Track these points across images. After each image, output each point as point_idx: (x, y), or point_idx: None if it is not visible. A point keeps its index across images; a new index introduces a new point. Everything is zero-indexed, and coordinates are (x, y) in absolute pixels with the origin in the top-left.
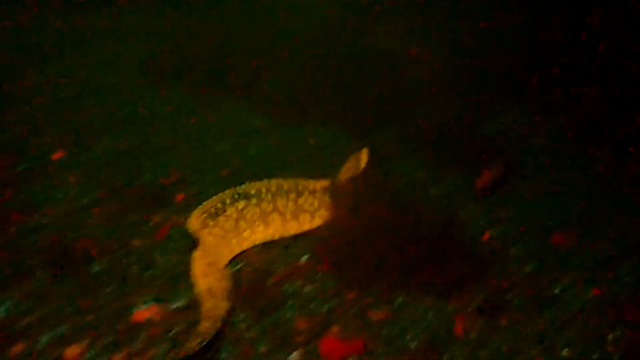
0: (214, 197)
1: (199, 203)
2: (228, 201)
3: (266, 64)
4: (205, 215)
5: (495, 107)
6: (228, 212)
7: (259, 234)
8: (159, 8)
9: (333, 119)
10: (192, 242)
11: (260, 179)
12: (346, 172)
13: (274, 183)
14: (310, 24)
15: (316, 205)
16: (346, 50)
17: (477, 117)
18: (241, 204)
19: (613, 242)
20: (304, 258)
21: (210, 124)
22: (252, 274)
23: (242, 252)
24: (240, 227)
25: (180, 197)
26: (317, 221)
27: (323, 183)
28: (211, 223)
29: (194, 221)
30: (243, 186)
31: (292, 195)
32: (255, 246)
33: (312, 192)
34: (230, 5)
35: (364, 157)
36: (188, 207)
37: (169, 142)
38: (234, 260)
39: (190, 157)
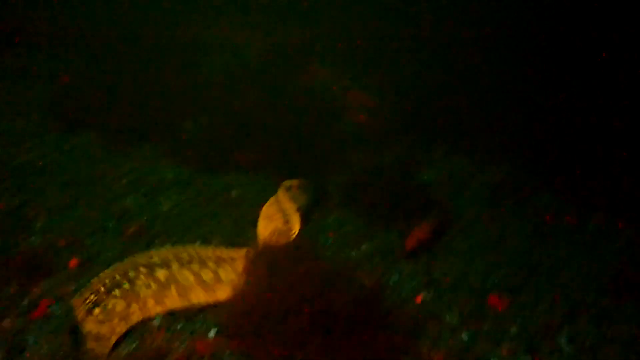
0: (104, 274)
1: (94, 271)
2: (118, 278)
3: (187, 107)
4: (88, 303)
5: (437, 152)
6: (116, 293)
7: (152, 310)
8: (70, 47)
9: (259, 166)
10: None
11: (171, 238)
12: (272, 236)
13: (177, 250)
14: (240, 63)
15: (224, 276)
16: (278, 92)
17: (417, 163)
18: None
19: (552, 305)
20: (212, 333)
21: (118, 175)
22: (149, 354)
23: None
24: (131, 308)
25: (73, 262)
26: (224, 294)
27: (236, 252)
28: (96, 311)
29: (78, 308)
30: (144, 256)
31: (195, 266)
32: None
33: (224, 261)
34: (150, 45)
35: (295, 220)
36: (80, 275)
37: (68, 197)
38: (129, 336)
39: (91, 214)
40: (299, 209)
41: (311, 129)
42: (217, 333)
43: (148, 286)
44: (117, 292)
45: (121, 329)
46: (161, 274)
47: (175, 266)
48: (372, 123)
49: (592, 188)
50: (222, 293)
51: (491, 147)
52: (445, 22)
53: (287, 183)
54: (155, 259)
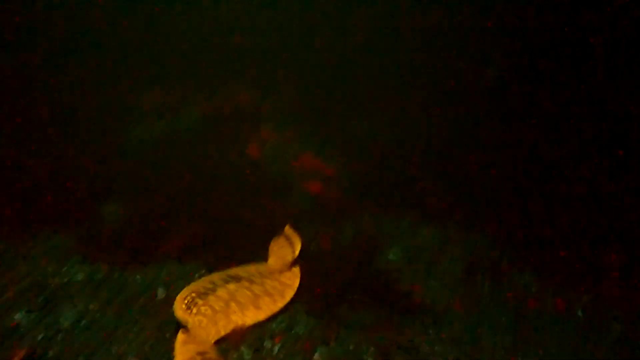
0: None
1: None
2: (219, 283)
3: (109, 186)
4: (194, 294)
5: (402, 223)
6: (219, 293)
7: (249, 317)
8: None
9: (191, 255)
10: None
11: None
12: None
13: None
14: (176, 130)
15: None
16: (218, 164)
17: (380, 238)
18: (232, 286)
19: None
20: None
21: (6, 282)
22: None
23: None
24: (231, 309)
25: None
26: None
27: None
28: (200, 302)
29: (180, 302)
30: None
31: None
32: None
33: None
34: (68, 111)
35: (295, 240)
36: None
37: None
38: None
39: None
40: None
41: (257, 204)
42: None
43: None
44: (221, 292)
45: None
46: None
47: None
48: (329, 193)
49: (578, 265)
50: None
51: (462, 216)
52: (412, 76)
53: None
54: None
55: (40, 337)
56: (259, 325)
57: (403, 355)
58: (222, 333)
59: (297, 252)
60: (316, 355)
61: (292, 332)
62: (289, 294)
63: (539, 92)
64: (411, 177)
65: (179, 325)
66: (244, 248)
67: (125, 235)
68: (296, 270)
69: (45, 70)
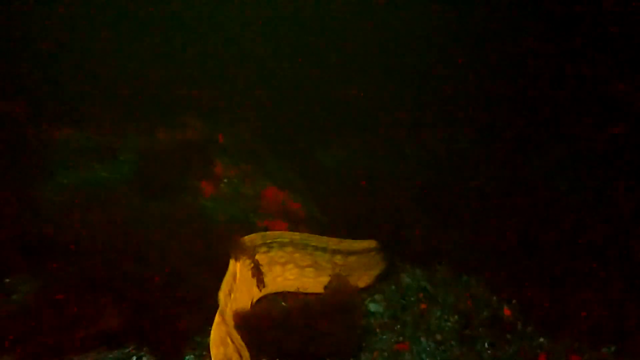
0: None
1: None
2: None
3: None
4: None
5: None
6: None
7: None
8: None
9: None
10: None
11: None
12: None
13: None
14: (108, 175)
15: None
16: (161, 211)
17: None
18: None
19: None
20: None
21: None
22: None
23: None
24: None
25: None
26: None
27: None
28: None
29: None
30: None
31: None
32: None
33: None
34: None
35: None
36: None
37: None
38: None
39: None
40: None
41: (204, 254)
42: None
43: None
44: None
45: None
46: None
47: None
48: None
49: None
50: None
51: (451, 258)
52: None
53: None
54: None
55: None
56: None
57: None
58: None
59: None
60: None
61: None
62: None
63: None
64: (386, 212)
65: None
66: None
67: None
68: None
69: None
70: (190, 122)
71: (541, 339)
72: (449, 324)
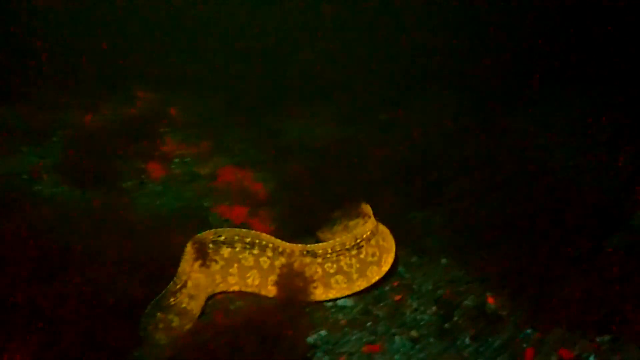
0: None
1: None
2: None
3: None
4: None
5: None
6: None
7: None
8: None
9: None
10: None
11: None
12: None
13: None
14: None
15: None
16: (86, 203)
17: None
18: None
19: None
20: None
21: None
22: None
23: None
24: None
25: None
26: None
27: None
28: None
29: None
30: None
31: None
32: None
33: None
34: None
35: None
36: None
37: None
38: None
39: None
40: None
41: (138, 258)
42: None
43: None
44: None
45: None
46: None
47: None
48: (260, 218)
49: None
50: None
51: (429, 239)
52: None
53: None
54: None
55: None
56: None
57: None
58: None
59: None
60: None
61: None
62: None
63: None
64: (362, 192)
65: None
66: None
67: None
68: None
69: None
70: (139, 95)
71: (528, 330)
72: (426, 317)
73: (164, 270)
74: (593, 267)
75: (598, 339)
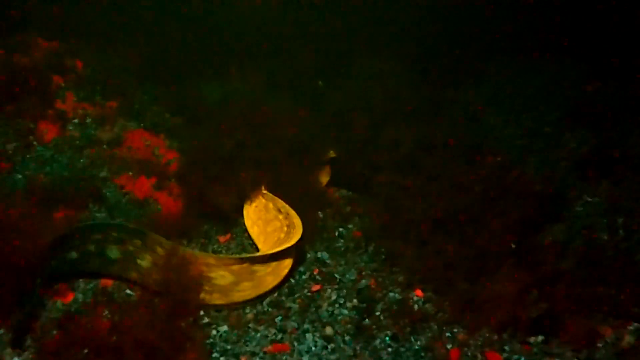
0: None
1: None
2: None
3: None
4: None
5: None
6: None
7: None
8: None
9: None
10: None
11: None
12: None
13: None
14: None
15: None
16: None
17: None
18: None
19: None
20: None
21: None
22: None
23: None
24: None
25: None
26: None
27: None
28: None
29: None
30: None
31: None
32: None
33: None
34: None
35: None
36: None
37: None
38: None
39: None
40: None
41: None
42: None
43: None
44: None
45: None
46: None
47: None
48: (168, 191)
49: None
50: None
51: (357, 221)
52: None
53: None
54: None
55: None
56: None
57: None
58: None
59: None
60: None
61: None
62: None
63: None
64: (286, 162)
65: None
66: None
67: None
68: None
69: None
70: (39, 43)
71: (455, 329)
72: (345, 311)
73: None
74: (528, 262)
75: (529, 340)
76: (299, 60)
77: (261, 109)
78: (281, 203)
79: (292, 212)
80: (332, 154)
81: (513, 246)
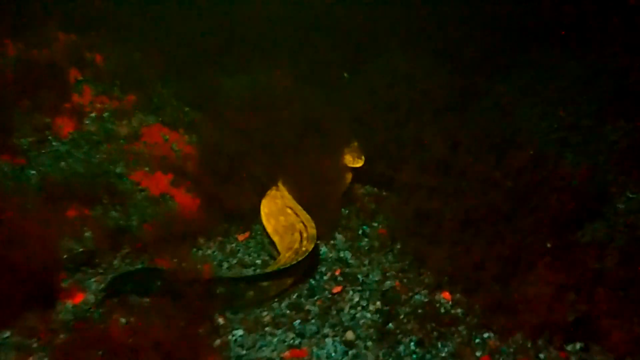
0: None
1: None
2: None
3: None
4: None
5: None
6: None
7: None
8: None
9: None
10: None
11: None
12: None
13: None
14: None
15: None
16: None
17: None
18: None
19: None
20: None
21: None
22: None
23: None
24: None
25: None
26: None
27: None
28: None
29: None
30: None
31: None
32: None
33: None
34: None
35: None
36: None
37: None
38: None
39: None
40: None
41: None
42: None
43: None
44: None
45: None
46: None
47: None
48: (185, 188)
49: None
50: None
51: (384, 219)
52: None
53: None
54: None
55: None
56: None
57: None
58: None
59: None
60: None
61: None
62: None
63: None
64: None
65: None
66: None
67: None
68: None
69: None
70: (58, 37)
71: (486, 335)
72: (367, 314)
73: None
74: (565, 262)
75: (567, 347)
76: (324, 53)
77: (285, 104)
78: (292, 202)
79: (302, 213)
80: (355, 145)
81: (549, 245)
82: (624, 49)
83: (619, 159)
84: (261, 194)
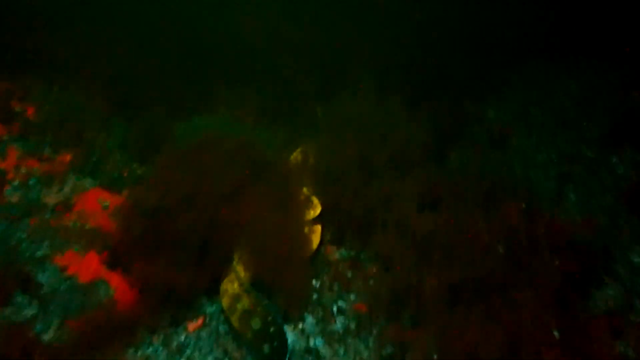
0: None
1: None
2: None
3: None
4: None
5: None
6: None
7: None
8: None
9: None
10: None
11: None
12: None
13: None
14: None
15: None
16: None
17: None
18: None
19: None
20: None
21: None
22: None
23: None
24: None
25: None
26: None
27: None
28: None
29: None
30: None
31: None
32: None
33: None
34: None
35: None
36: None
37: None
38: None
39: None
40: None
41: None
42: None
43: None
44: None
45: None
46: None
47: None
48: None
49: None
50: None
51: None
52: None
53: None
54: None
55: None
56: None
57: None
58: None
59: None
60: None
61: None
62: None
63: None
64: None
65: None
66: None
67: None
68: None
69: None
70: None
71: None
72: None
73: None
74: (576, 347)
75: None
76: (299, 83)
77: (247, 153)
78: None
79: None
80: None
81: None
82: (625, 62)
83: (628, 197)
84: (216, 271)
